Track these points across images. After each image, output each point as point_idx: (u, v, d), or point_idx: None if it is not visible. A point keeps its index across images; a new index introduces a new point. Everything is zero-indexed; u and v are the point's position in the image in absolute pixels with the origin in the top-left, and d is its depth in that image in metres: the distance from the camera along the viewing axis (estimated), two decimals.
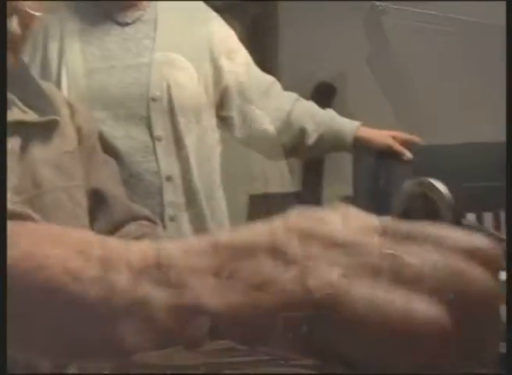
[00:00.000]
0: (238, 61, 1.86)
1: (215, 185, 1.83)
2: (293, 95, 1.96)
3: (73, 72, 1.68)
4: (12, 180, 0.96)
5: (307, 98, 3.99)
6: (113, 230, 1.08)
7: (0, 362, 0.49)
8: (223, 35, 1.87)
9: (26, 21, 0.95)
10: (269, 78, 1.94)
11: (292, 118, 1.88)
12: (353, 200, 1.99)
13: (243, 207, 4.23)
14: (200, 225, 1.74)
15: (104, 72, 1.70)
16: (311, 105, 1.98)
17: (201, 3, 1.92)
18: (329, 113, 1.94)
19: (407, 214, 0.56)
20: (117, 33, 1.75)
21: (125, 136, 1.66)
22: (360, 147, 1.89)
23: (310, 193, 4.03)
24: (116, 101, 1.67)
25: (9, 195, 0.94)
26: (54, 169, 1.04)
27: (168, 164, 1.67)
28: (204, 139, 1.76)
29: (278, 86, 1.94)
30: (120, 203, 1.12)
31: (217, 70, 1.81)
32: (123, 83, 1.68)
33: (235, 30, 1.93)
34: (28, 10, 0.94)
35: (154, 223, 1.14)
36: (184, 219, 1.71)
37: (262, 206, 4.20)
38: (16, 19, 0.93)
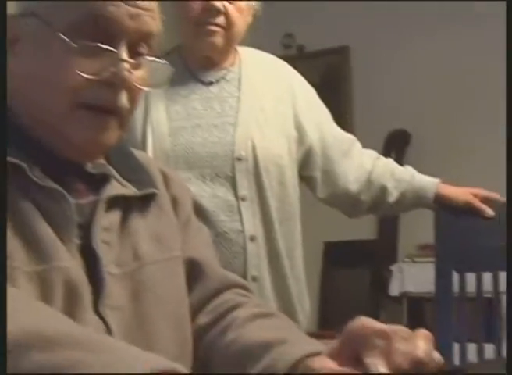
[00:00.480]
0: (320, 120, 1.86)
1: (296, 244, 1.83)
2: (373, 154, 1.95)
3: (158, 131, 1.69)
4: (112, 253, 0.99)
5: (382, 146, 4.00)
6: (209, 298, 1.09)
7: (0, 362, 0.52)
8: (305, 94, 1.88)
9: (134, 96, 0.99)
10: (349, 137, 1.94)
11: (373, 177, 1.88)
12: (434, 249, 1.97)
13: (318, 254, 4.24)
14: (281, 285, 1.75)
15: (188, 131, 1.70)
16: (391, 163, 1.96)
17: (282, 61, 1.93)
18: (409, 171, 1.93)
19: None
20: (201, 91, 1.76)
21: (210, 195, 1.67)
22: (440, 203, 1.88)
23: (386, 241, 4.00)
24: (201, 161, 1.68)
25: (111, 268, 0.98)
26: (153, 241, 1.06)
27: (252, 224, 1.68)
28: (286, 199, 1.76)
29: (358, 145, 1.94)
30: (216, 272, 1.13)
31: (300, 130, 1.81)
32: (208, 143, 1.69)
33: (308, 79, 1.92)
34: (137, 85, 0.98)
35: (248, 291, 1.15)
36: (267, 279, 1.71)
37: (337, 254, 4.19)
38: (126, 94, 0.97)
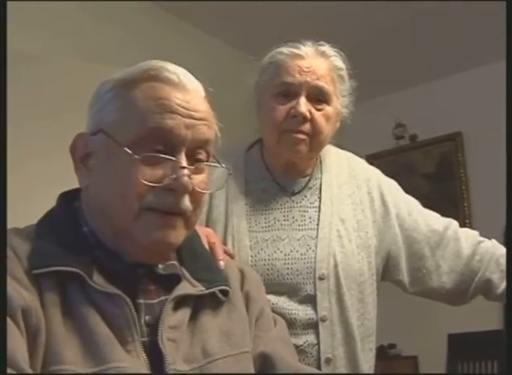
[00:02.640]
0: (402, 219, 1.75)
1: (373, 360, 1.70)
2: (475, 237, 1.78)
3: (240, 242, 1.62)
4: (180, 350, 1.02)
5: (502, 234, 3.84)
6: None
7: (0, 362, 0.52)
8: (383, 194, 1.77)
9: (196, 198, 1.05)
10: (443, 224, 1.78)
11: (473, 264, 1.72)
12: None
13: (443, 347, 4.09)
14: None
15: (269, 244, 1.63)
16: (495, 248, 1.76)
17: (359, 160, 1.84)
18: None
19: None
20: (283, 201, 1.69)
21: (289, 309, 1.57)
22: None
23: None
24: (282, 277, 1.59)
25: (179, 364, 1.00)
26: (223, 337, 1.08)
27: (329, 346, 1.58)
28: (366, 315, 1.66)
29: (454, 228, 1.78)
30: (289, 366, 1.13)
31: (379, 236, 1.72)
32: (290, 259, 1.61)
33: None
34: (198, 189, 1.04)
35: None
36: None
37: (462, 346, 4.02)
38: (188, 197, 1.03)
